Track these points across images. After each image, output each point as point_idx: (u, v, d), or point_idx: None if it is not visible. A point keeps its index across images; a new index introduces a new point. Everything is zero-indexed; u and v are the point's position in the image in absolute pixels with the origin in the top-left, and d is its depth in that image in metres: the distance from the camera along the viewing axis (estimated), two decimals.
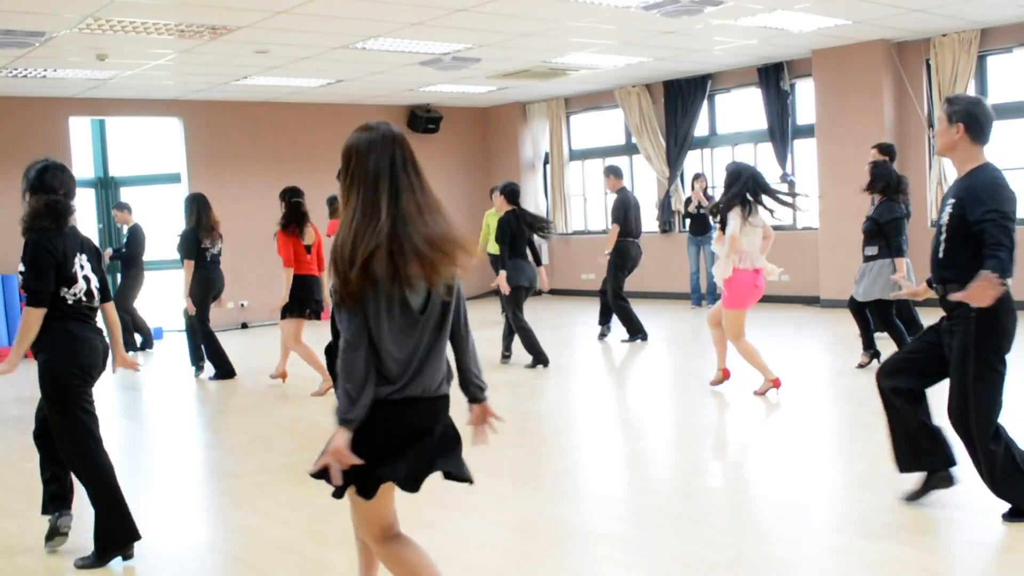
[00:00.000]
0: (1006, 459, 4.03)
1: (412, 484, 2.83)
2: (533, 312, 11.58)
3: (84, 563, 4.12)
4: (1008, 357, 4.05)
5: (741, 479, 5.25)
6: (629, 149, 14.44)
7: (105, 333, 4.32)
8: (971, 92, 10.62)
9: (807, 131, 12.18)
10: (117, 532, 4.11)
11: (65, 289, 4.08)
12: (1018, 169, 10.72)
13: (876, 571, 3.67)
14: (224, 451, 6.41)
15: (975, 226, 3.89)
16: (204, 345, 9.04)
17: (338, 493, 2.81)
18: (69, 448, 4.12)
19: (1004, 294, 3.93)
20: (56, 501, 4.40)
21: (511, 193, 8.80)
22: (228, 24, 8.26)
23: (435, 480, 2.87)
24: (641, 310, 10.45)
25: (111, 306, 4.42)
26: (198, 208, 8.79)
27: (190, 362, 9.27)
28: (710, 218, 11.30)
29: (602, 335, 10.37)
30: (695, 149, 13.57)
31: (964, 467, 4.64)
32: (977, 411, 4.00)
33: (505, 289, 8.61)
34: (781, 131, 12.34)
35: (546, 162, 15.61)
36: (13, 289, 11.03)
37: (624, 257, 9.91)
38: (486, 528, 4.50)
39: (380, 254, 2.65)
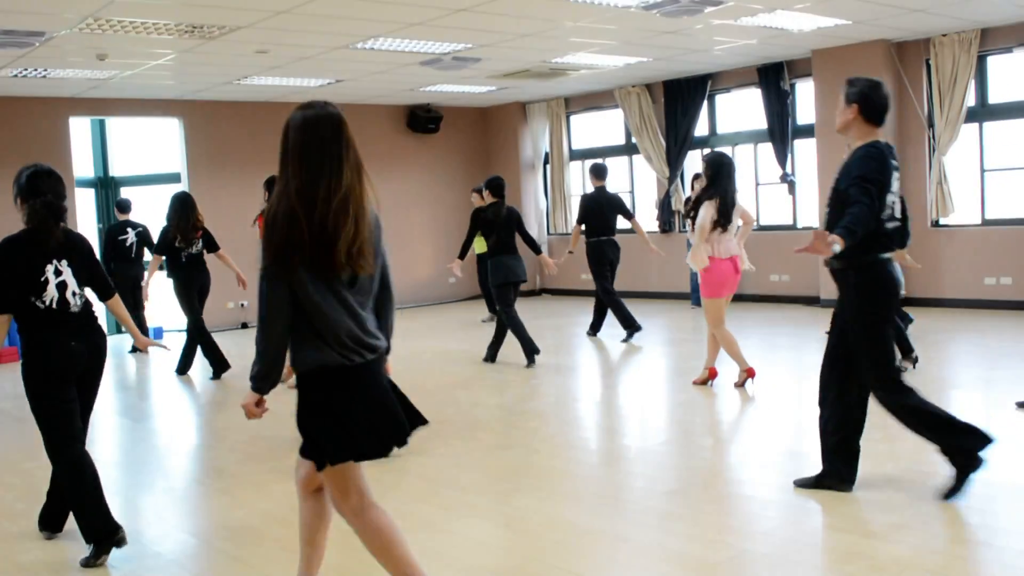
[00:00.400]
0: (911, 407, 4.30)
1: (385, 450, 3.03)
2: (533, 312, 11.57)
3: (86, 561, 4.14)
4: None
5: (740, 479, 5.24)
6: (629, 149, 14.44)
7: (106, 334, 4.35)
8: (971, 92, 10.64)
9: (807, 131, 12.17)
10: (92, 525, 4.14)
11: (34, 297, 4.11)
12: (1018, 169, 10.74)
13: (876, 571, 3.67)
14: (224, 451, 6.41)
15: (843, 194, 4.22)
16: (199, 343, 9.04)
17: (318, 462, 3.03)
18: (44, 443, 4.23)
19: (879, 260, 4.28)
20: (45, 520, 4.54)
21: (496, 187, 8.87)
22: (228, 24, 8.26)
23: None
24: (641, 310, 10.47)
25: (115, 301, 4.46)
26: (175, 209, 8.85)
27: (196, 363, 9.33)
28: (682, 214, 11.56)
29: (590, 332, 10.53)
30: (695, 149, 13.54)
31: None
32: (875, 366, 4.30)
33: (458, 273, 9.11)
34: (781, 131, 12.34)
35: (546, 162, 15.62)
36: None
37: (599, 255, 9.95)
38: (486, 528, 4.50)
39: (317, 226, 2.81)
